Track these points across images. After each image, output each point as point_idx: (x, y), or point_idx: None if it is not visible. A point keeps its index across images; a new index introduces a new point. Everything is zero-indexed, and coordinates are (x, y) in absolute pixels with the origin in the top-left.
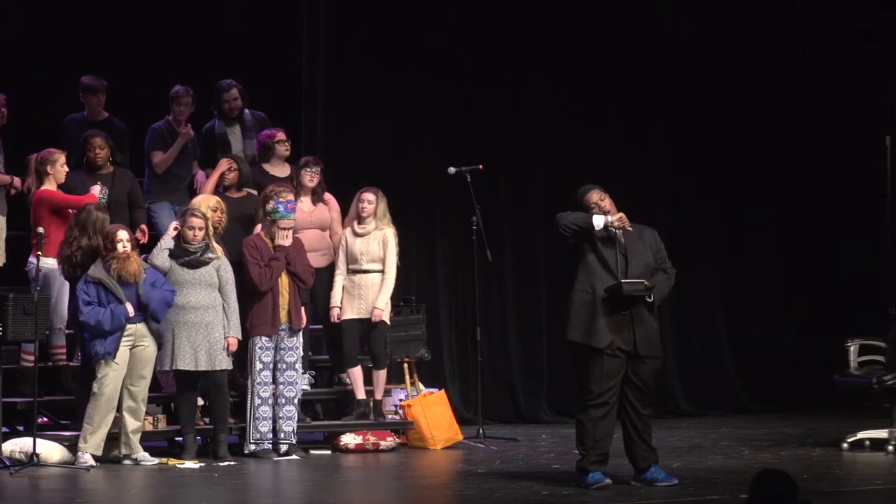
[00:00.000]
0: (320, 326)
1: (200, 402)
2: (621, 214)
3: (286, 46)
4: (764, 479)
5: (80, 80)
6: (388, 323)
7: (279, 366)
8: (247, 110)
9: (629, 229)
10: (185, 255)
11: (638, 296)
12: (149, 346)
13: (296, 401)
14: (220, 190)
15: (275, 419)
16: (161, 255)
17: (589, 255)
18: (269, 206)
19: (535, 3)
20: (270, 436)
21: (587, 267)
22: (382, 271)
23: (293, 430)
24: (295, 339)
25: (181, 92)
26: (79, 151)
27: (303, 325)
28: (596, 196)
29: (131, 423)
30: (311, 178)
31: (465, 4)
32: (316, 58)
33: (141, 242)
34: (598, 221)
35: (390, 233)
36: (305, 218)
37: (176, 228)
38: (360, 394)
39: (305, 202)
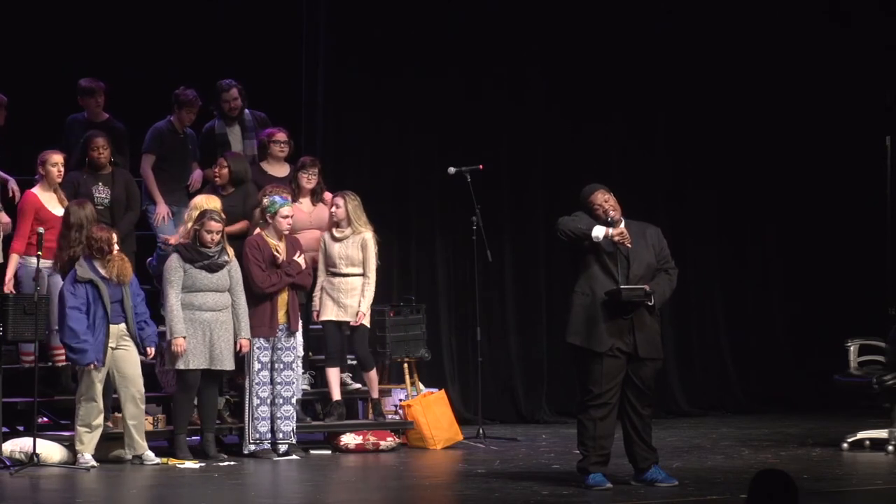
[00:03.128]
0: (319, 326)
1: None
2: (622, 230)
3: (286, 46)
4: (763, 479)
5: (78, 82)
6: (369, 325)
7: (276, 366)
8: (247, 110)
9: (628, 245)
10: (204, 258)
11: (637, 301)
12: (131, 348)
13: (293, 400)
14: (218, 190)
15: (274, 419)
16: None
17: (590, 258)
18: (265, 202)
19: (534, 1)
20: (269, 436)
21: (588, 269)
22: (363, 275)
23: (292, 430)
24: (292, 339)
25: (191, 98)
26: (79, 151)
27: (300, 327)
28: (601, 197)
29: (132, 423)
30: (308, 179)
31: (465, 3)
32: (316, 58)
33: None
34: (599, 233)
35: (369, 236)
36: (304, 218)
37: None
38: (336, 395)
39: (305, 203)
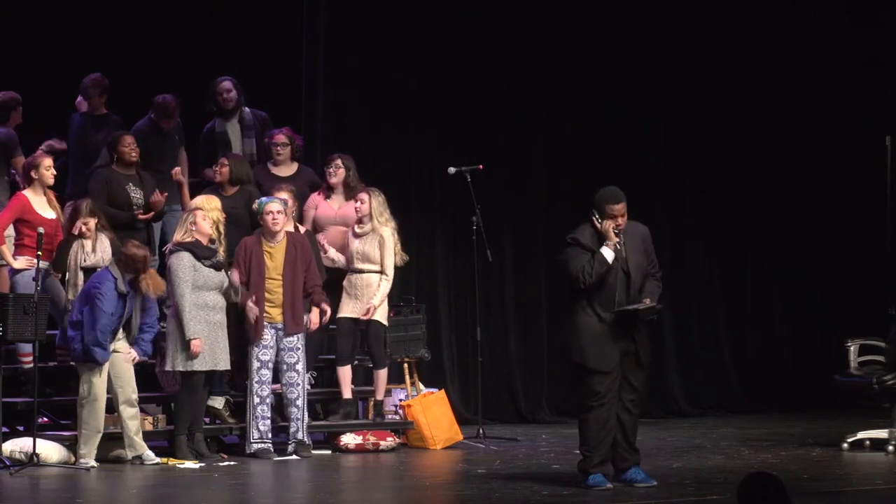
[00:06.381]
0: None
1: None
2: (608, 229)
3: (286, 46)
4: (752, 481)
5: (84, 80)
6: (385, 323)
7: (280, 367)
8: (247, 109)
9: (621, 229)
10: (211, 255)
11: (648, 318)
12: (124, 348)
13: (299, 402)
14: (219, 190)
15: (287, 420)
16: None
17: None
18: (255, 206)
19: (534, 2)
20: (270, 435)
21: (590, 289)
22: (381, 272)
23: (298, 431)
24: (294, 339)
25: (171, 107)
26: (107, 150)
27: (300, 330)
28: (619, 209)
29: (131, 424)
30: (330, 174)
31: (465, 4)
32: (316, 57)
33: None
34: (609, 255)
35: (387, 232)
36: (330, 215)
37: None
38: (347, 393)
39: (337, 199)
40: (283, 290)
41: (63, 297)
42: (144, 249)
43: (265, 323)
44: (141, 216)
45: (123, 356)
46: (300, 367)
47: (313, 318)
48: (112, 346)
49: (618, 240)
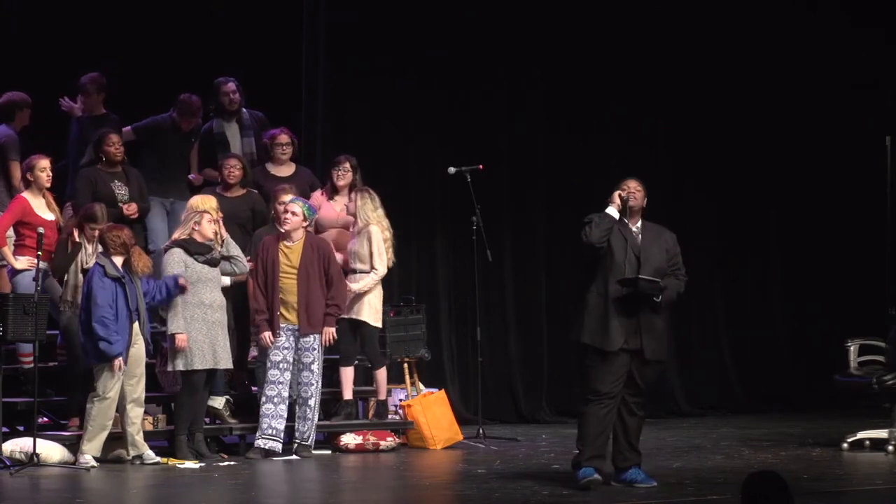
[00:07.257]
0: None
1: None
2: (613, 194)
3: (287, 47)
4: (755, 481)
5: (80, 80)
6: (376, 325)
7: (298, 366)
8: (245, 109)
9: (634, 199)
10: (206, 251)
11: (649, 294)
12: (140, 345)
13: (311, 402)
14: (217, 189)
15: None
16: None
17: (605, 260)
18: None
19: (534, 3)
20: (272, 433)
21: (602, 270)
22: (372, 269)
23: (307, 431)
24: (311, 339)
25: (195, 108)
26: (92, 149)
27: (316, 331)
28: (633, 184)
29: (134, 423)
30: (338, 176)
31: (465, 4)
32: (316, 57)
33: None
34: (612, 211)
35: (374, 229)
36: (333, 217)
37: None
38: (348, 394)
39: (339, 201)
40: (298, 290)
41: (59, 295)
42: (124, 227)
43: (279, 324)
44: (127, 211)
45: (141, 354)
46: (315, 367)
47: (326, 333)
48: (133, 342)
49: (620, 201)
